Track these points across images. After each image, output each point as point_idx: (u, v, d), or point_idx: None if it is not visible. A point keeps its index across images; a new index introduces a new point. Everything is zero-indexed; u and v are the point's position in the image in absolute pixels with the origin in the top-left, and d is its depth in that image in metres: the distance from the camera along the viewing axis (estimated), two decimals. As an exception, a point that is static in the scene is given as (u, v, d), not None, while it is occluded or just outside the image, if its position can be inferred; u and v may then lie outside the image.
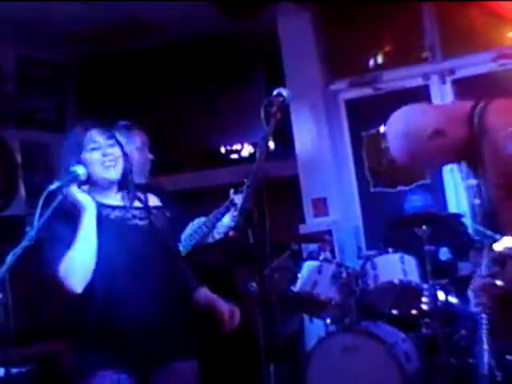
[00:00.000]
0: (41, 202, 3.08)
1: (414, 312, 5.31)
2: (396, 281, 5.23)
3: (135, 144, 4.52)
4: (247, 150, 7.40)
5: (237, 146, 7.47)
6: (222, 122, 7.40)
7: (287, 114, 6.36)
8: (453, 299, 5.11)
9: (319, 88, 6.72)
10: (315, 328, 5.87)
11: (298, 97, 6.26)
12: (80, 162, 3.31)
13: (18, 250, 2.99)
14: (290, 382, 4.79)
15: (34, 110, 7.21)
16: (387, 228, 6.16)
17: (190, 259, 4.72)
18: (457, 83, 6.40)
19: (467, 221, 5.17)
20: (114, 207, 3.41)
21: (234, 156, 7.49)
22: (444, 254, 5.49)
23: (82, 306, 3.32)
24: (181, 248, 4.71)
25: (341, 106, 6.87)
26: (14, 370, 5.00)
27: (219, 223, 4.81)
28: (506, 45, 6.15)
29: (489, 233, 3.12)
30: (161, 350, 3.34)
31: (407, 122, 3.28)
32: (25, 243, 3.01)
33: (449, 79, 6.43)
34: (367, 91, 6.69)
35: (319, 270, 5.36)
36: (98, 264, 3.27)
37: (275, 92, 3.06)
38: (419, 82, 6.52)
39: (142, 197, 3.55)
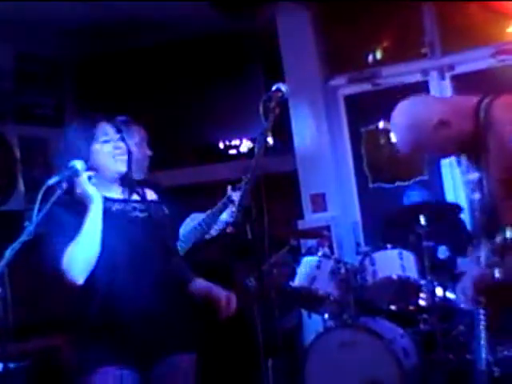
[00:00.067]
0: (39, 196, 3.08)
1: (412, 308, 5.31)
2: (394, 276, 5.23)
3: (134, 139, 4.52)
4: (246, 145, 7.39)
5: (235, 142, 7.46)
6: (221, 117, 7.39)
7: (286, 110, 6.36)
8: (451, 295, 5.11)
9: (318, 84, 6.72)
10: (313, 323, 5.88)
11: (297, 92, 6.26)
12: (88, 153, 3.34)
13: (16, 245, 2.99)
14: (288, 377, 4.80)
15: (33, 106, 7.21)
16: (386, 224, 6.16)
17: (189, 255, 4.73)
18: (456, 79, 6.40)
19: (465, 217, 5.17)
20: (115, 200, 3.44)
21: (233, 151, 7.48)
22: (442, 252, 5.49)
23: (82, 300, 3.33)
24: (181, 245, 4.72)
25: (340, 102, 6.87)
26: (13, 365, 5.01)
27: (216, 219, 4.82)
28: (505, 40, 6.15)
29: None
30: (161, 343, 3.35)
31: (412, 112, 3.29)
32: (23, 238, 3.02)
33: (448, 75, 6.43)
34: (366, 87, 6.69)
35: (318, 266, 5.36)
36: (99, 256, 3.28)
37: (274, 87, 3.07)
38: (418, 77, 6.52)
39: (140, 191, 3.57)
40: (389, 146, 6.70)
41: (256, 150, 2.93)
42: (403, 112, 3.31)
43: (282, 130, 6.53)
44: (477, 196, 3.22)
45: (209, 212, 4.83)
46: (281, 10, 6.62)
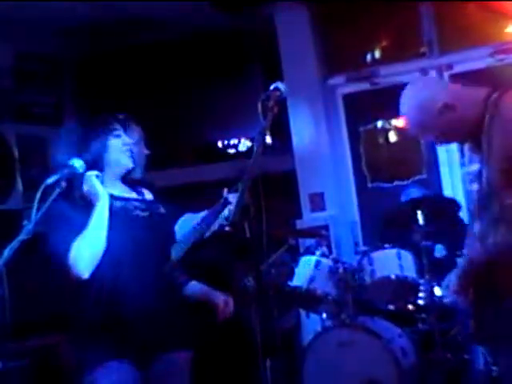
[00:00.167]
0: (38, 195, 3.09)
1: (410, 307, 5.32)
2: (393, 276, 5.23)
3: (133, 138, 4.51)
4: (244, 144, 7.39)
5: (234, 141, 7.46)
6: (219, 116, 7.39)
7: (285, 109, 6.35)
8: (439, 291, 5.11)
9: (317, 83, 6.72)
10: (312, 323, 5.88)
11: (296, 92, 6.27)
12: (103, 147, 3.40)
13: (15, 244, 3.00)
14: (287, 377, 4.79)
15: (32, 105, 7.21)
16: (384, 223, 6.16)
17: (189, 255, 4.73)
18: (454, 78, 6.39)
19: (463, 214, 5.18)
20: (117, 197, 3.44)
21: (232, 151, 7.49)
22: (439, 250, 5.49)
23: (84, 296, 3.34)
24: (181, 245, 4.72)
25: (338, 101, 6.87)
26: (12, 364, 5.01)
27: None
28: (504, 40, 6.15)
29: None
30: (160, 340, 3.38)
31: (420, 93, 3.34)
32: (22, 237, 3.02)
33: (446, 74, 6.43)
34: (365, 86, 6.69)
35: (316, 265, 5.36)
36: (103, 253, 3.31)
37: (272, 86, 3.06)
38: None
39: (140, 190, 3.61)
40: (387, 146, 6.71)
41: (254, 149, 2.92)
42: (413, 92, 3.37)
43: (281, 129, 6.53)
44: (475, 187, 3.25)
45: (206, 213, 4.83)
46: (279, 9, 6.61)
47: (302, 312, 6.11)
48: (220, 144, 7.53)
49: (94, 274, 3.29)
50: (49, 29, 6.64)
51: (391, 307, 5.38)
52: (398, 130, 6.65)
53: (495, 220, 3.10)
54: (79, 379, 3.33)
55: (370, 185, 6.78)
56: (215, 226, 4.87)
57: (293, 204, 6.71)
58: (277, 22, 6.69)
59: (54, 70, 7.42)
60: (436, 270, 5.09)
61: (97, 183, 3.35)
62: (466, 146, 3.39)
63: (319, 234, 5.96)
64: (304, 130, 6.70)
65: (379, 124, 6.68)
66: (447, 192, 6.40)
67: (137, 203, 3.52)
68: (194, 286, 3.73)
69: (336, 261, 5.42)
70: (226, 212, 4.77)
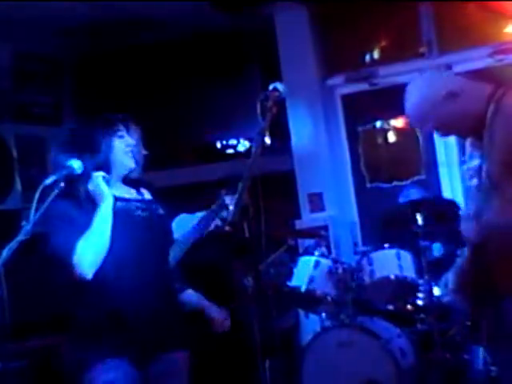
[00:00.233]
0: (37, 196, 3.09)
1: (409, 307, 5.32)
2: (392, 276, 5.24)
3: (134, 139, 4.52)
4: (243, 144, 7.40)
5: (233, 141, 7.46)
6: (218, 116, 7.40)
7: (283, 109, 6.35)
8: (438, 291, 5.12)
9: (316, 83, 6.72)
10: (311, 323, 5.88)
11: (295, 92, 6.26)
12: (108, 147, 3.40)
13: (13, 244, 2.99)
14: (286, 377, 4.79)
15: (31, 105, 7.21)
16: (383, 223, 6.16)
17: (188, 255, 4.73)
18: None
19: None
20: (118, 198, 3.45)
21: (230, 151, 7.49)
22: (437, 249, 5.49)
23: (84, 296, 3.35)
24: (180, 245, 4.73)
25: (337, 102, 6.87)
26: (11, 364, 5.01)
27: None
28: (503, 40, 6.15)
29: None
30: (160, 340, 3.39)
31: (426, 83, 3.41)
32: (21, 237, 3.02)
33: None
34: (364, 87, 6.68)
35: (315, 266, 5.36)
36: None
37: (271, 87, 3.06)
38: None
39: (141, 191, 3.62)
40: (386, 146, 6.71)
41: (253, 149, 2.92)
42: (418, 83, 3.43)
43: (280, 129, 6.52)
44: (474, 182, 3.26)
45: (204, 214, 4.84)
46: (279, 9, 6.61)
47: (301, 312, 6.11)
48: (219, 144, 7.53)
49: (95, 274, 3.29)
50: (49, 29, 6.64)
51: (390, 307, 5.39)
52: (397, 131, 6.65)
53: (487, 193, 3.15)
54: (79, 379, 3.33)
55: (368, 185, 6.78)
56: (211, 227, 4.88)
57: (292, 204, 6.71)
58: (276, 22, 6.68)
59: (54, 70, 7.41)
60: (435, 270, 5.10)
61: (102, 184, 3.35)
62: (468, 142, 3.42)
63: (318, 234, 5.95)
64: (303, 130, 6.70)
65: (378, 124, 6.69)
66: (446, 192, 6.40)
67: (137, 203, 3.52)
68: (191, 296, 3.74)
69: (335, 261, 5.43)
70: (223, 213, 4.78)
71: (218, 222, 4.83)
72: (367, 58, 6.65)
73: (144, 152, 4.72)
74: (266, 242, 2.96)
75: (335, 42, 6.73)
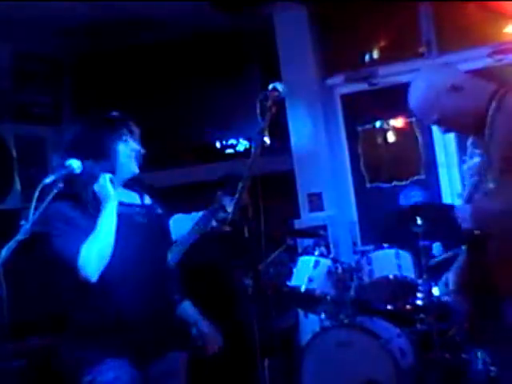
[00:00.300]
0: (36, 195, 3.09)
1: (408, 307, 5.32)
2: (391, 276, 5.23)
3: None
4: (243, 144, 7.40)
5: (232, 141, 7.46)
6: (218, 116, 7.40)
7: (283, 109, 6.35)
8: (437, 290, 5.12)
9: (315, 83, 6.72)
10: (310, 323, 5.88)
11: (294, 92, 6.26)
12: (114, 152, 3.39)
13: (12, 244, 2.99)
14: (285, 377, 4.79)
15: (31, 105, 7.21)
16: (383, 223, 6.16)
17: (188, 255, 4.74)
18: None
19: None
20: (120, 202, 3.44)
21: (230, 151, 7.49)
22: (437, 249, 5.49)
23: (85, 297, 3.34)
24: (180, 246, 4.73)
25: (337, 101, 6.87)
26: (10, 364, 5.01)
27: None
28: (503, 40, 6.15)
29: None
30: (160, 341, 3.40)
31: (430, 76, 3.48)
32: (20, 236, 3.02)
33: (445, 75, 6.42)
34: (363, 86, 6.68)
35: (315, 266, 5.36)
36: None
37: (270, 86, 3.06)
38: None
39: (141, 195, 3.61)
40: (386, 146, 6.71)
41: (253, 149, 2.92)
42: (423, 75, 3.50)
43: (279, 129, 6.53)
44: (474, 180, 3.28)
45: (201, 215, 4.84)
46: (278, 9, 6.61)
47: (301, 312, 6.11)
48: (218, 144, 7.53)
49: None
50: (48, 29, 6.64)
51: (390, 307, 5.38)
52: (397, 131, 6.65)
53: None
54: (79, 380, 3.33)
55: (368, 185, 6.78)
56: (208, 228, 4.89)
57: (291, 204, 6.71)
58: (275, 21, 6.68)
59: (54, 70, 7.42)
60: (434, 270, 5.10)
61: (109, 185, 3.34)
62: (469, 141, 3.43)
63: (317, 233, 5.95)
64: (302, 130, 6.70)
65: (378, 124, 6.69)
66: (445, 192, 6.41)
67: (137, 209, 3.52)
68: (187, 310, 3.70)
69: (334, 261, 5.42)
70: (219, 214, 4.79)
71: (213, 223, 4.84)
72: (367, 57, 6.65)
73: (142, 151, 4.73)
74: (266, 242, 2.96)
75: (335, 42, 6.73)
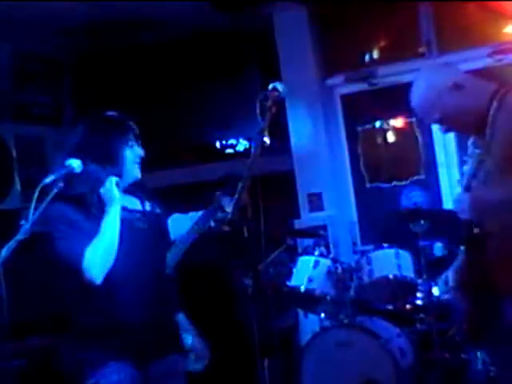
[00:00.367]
0: (35, 195, 3.08)
1: (408, 307, 5.32)
2: (391, 276, 5.24)
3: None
4: (243, 144, 7.40)
5: (232, 141, 7.46)
6: (218, 116, 7.40)
7: (283, 109, 6.35)
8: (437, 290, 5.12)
9: (315, 83, 6.72)
10: (310, 323, 5.88)
11: (294, 92, 6.26)
12: (121, 158, 3.38)
13: (12, 244, 2.99)
14: (285, 377, 4.80)
15: (31, 105, 7.21)
16: (383, 223, 6.16)
17: (187, 255, 4.73)
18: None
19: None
20: (122, 207, 3.43)
21: (230, 151, 7.49)
22: (438, 249, 5.49)
23: (86, 299, 3.34)
24: (179, 246, 4.73)
25: (337, 101, 6.87)
26: (9, 364, 5.01)
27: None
28: (502, 40, 6.15)
29: None
30: (160, 342, 3.40)
31: (432, 75, 3.51)
32: (20, 236, 3.01)
33: (445, 75, 6.42)
34: (363, 86, 6.68)
35: (314, 265, 5.36)
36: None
37: (270, 86, 3.06)
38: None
39: (142, 201, 3.60)
40: (386, 146, 6.71)
41: (253, 149, 2.93)
42: (425, 74, 3.54)
43: (279, 129, 6.53)
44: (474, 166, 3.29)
45: (200, 215, 4.84)
46: (278, 9, 6.61)
47: (301, 312, 6.11)
48: (218, 144, 7.53)
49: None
50: (49, 29, 6.64)
51: (389, 307, 5.39)
52: (397, 131, 6.65)
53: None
54: (79, 381, 3.33)
55: (368, 185, 6.77)
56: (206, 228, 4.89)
57: (291, 204, 6.71)
58: (275, 21, 6.68)
59: (54, 70, 7.42)
60: (434, 270, 5.10)
61: (114, 188, 3.33)
62: (470, 141, 3.45)
63: (317, 233, 5.96)
64: (302, 130, 6.70)
65: (377, 124, 6.68)
66: (445, 192, 6.41)
67: (138, 214, 3.50)
68: (180, 323, 3.70)
69: (334, 261, 5.43)
70: (218, 214, 4.78)
71: (211, 223, 4.84)
72: (367, 57, 6.65)
73: (143, 155, 4.73)
74: (266, 242, 2.96)
75: (335, 42, 6.72)
